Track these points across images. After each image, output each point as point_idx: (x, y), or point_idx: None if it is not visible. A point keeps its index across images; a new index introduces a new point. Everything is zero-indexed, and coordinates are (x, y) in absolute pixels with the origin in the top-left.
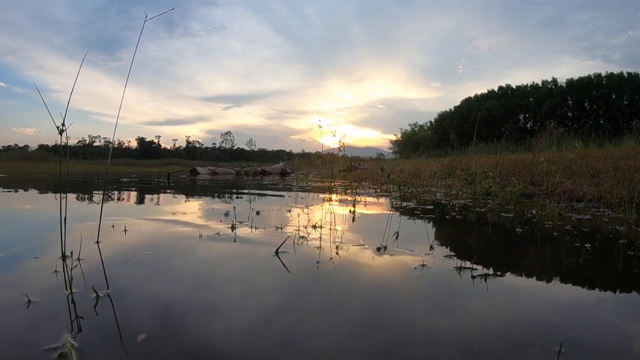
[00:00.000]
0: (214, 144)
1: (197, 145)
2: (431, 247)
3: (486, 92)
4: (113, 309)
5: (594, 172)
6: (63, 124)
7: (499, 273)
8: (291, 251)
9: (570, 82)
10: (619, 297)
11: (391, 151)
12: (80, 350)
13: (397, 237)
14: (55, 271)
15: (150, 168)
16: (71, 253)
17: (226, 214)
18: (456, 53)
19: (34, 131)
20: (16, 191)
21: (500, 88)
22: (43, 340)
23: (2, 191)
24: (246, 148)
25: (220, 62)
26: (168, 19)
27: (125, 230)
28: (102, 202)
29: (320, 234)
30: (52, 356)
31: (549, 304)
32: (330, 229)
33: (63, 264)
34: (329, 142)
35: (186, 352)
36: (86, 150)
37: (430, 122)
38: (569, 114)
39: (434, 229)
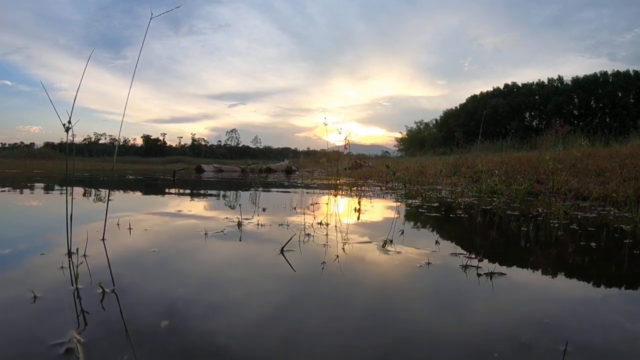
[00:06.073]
0: (219, 141)
1: (203, 143)
2: (437, 244)
3: (492, 90)
4: (119, 305)
5: (599, 171)
6: (69, 122)
7: (504, 271)
8: (297, 249)
9: (576, 80)
10: (624, 297)
11: (396, 149)
12: (86, 345)
13: (402, 234)
14: (62, 267)
15: (156, 166)
16: (77, 250)
17: (231, 212)
18: (462, 51)
19: (39, 129)
20: (21, 191)
21: (506, 86)
22: (50, 335)
23: (11, 189)
24: (251, 146)
25: (225, 60)
26: (173, 17)
27: (130, 228)
28: (108, 200)
29: (326, 232)
30: (59, 351)
31: (555, 302)
32: (335, 226)
33: (69, 261)
34: (334, 139)
35: (190, 348)
36: (92, 148)
37: (436, 120)
38: (574, 112)
39: (439, 226)
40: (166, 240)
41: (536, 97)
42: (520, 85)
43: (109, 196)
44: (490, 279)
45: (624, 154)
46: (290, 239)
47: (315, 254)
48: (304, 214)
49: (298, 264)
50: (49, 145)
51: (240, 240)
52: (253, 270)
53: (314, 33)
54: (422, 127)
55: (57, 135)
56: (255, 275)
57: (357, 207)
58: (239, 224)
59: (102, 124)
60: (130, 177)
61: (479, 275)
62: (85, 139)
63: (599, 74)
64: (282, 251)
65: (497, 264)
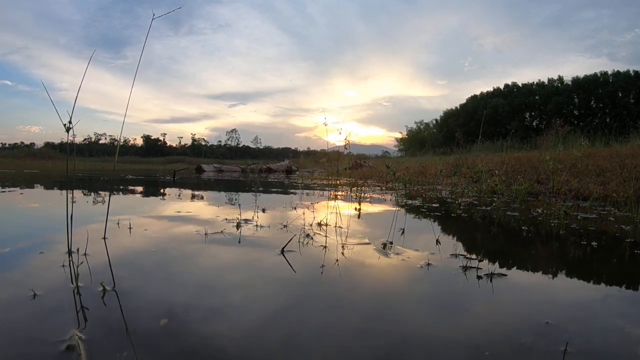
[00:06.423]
0: (220, 141)
1: (203, 143)
2: (437, 245)
3: (492, 90)
4: (119, 303)
5: (600, 171)
6: (70, 122)
7: (504, 272)
8: (297, 250)
9: (576, 80)
10: (625, 297)
11: (396, 149)
12: (87, 343)
13: (402, 235)
14: (63, 266)
15: (156, 166)
16: (77, 249)
17: (231, 212)
18: (462, 51)
19: (39, 129)
20: (22, 190)
21: (506, 86)
22: (51, 333)
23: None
24: (252, 146)
25: (225, 60)
26: (173, 17)
27: (131, 227)
28: (109, 199)
29: (326, 232)
30: (60, 348)
31: (555, 303)
32: (335, 227)
33: (69, 259)
34: (335, 139)
35: (190, 345)
36: (92, 148)
37: (436, 120)
38: (575, 112)
39: (440, 227)
40: (166, 239)
41: (536, 97)
42: (520, 85)
43: (110, 196)
44: (491, 280)
45: (624, 154)
46: (291, 239)
47: (315, 254)
48: (304, 214)
49: (298, 265)
50: (49, 145)
51: (239, 239)
52: (253, 273)
53: (314, 33)
54: (422, 127)
55: (58, 135)
56: (255, 275)
57: (357, 207)
58: (239, 224)
59: (102, 124)
60: (131, 177)
61: (479, 276)
62: (85, 139)
63: (599, 74)
64: (282, 251)
65: (497, 264)
